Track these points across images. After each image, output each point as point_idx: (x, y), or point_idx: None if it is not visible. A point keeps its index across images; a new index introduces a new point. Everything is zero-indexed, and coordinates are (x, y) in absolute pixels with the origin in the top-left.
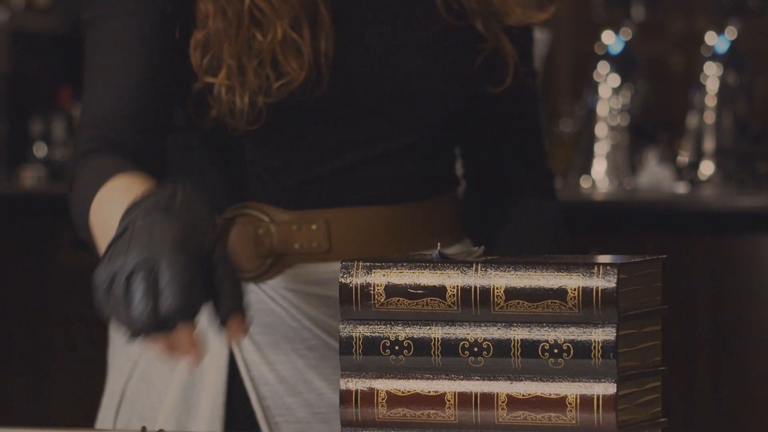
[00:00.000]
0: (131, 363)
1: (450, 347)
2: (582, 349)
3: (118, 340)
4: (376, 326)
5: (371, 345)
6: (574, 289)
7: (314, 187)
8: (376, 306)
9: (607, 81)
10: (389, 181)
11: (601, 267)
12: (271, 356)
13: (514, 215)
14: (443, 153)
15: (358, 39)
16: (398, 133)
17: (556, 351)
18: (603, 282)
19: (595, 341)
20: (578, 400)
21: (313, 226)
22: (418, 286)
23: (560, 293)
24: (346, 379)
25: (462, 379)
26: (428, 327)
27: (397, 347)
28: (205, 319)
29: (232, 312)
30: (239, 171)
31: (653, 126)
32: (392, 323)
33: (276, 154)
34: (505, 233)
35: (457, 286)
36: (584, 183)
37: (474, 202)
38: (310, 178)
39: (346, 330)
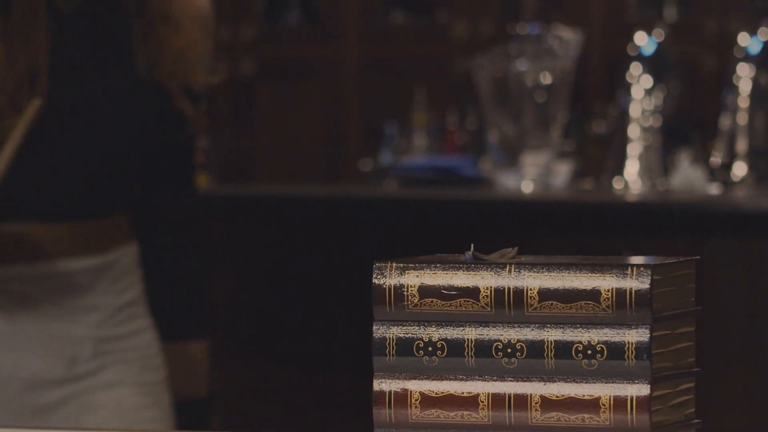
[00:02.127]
0: None
1: (483, 348)
2: (616, 350)
3: None
4: (410, 327)
5: (404, 346)
6: (608, 291)
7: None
8: (410, 307)
9: (640, 82)
10: (77, 205)
11: (634, 268)
12: None
13: (162, 266)
14: (128, 183)
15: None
16: (90, 169)
17: (589, 352)
18: (637, 283)
19: (628, 342)
20: (612, 402)
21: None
22: (451, 287)
23: (594, 294)
24: (380, 381)
25: (495, 380)
26: (461, 328)
27: (430, 348)
28: None
29: None
30: None
31: (686, 127)
32: (425, 324)
33: None
34: (156, 280)
35: (491, 287)
36: (617, 184)
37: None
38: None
39: (379, 331)
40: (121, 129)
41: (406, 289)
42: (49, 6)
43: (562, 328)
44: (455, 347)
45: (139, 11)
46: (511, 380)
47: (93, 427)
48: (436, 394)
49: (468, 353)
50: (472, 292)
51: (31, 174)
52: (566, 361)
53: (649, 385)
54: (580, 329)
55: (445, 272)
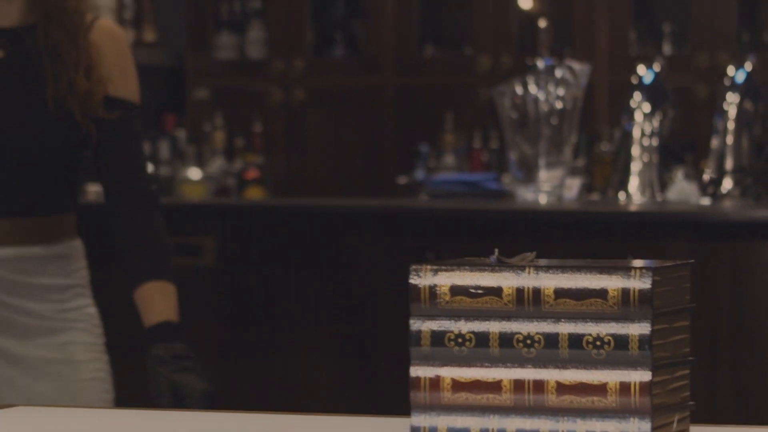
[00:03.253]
0: None
1: (506, 340)
2: (621, 341)
3: None
4: (442, 321)
5: (438, 338)
6: (615, 290)
7: None
8: (442, 304)
9: (641, 108)
10: (14, 204)
11: (637, 270)
12: None
13: (128, 227)
14: (55, 189)
15: None
16: (17, 174)
17: (598, 343)
18: (639, 283)
19: (632, 335)
20: (618, 386)
21: None
22: (478, 287)
23: (602, 293)
24: (416, 368)
25: (516, 368)
26: (487, 322)
27: (460, 340)
28: None
29: None
30: None
31: (681, 147)
32: (456, 319)
33: None
34: (125, 240)
35: (512, 287)
36: (621, 197)
37: (108, 215)
38: None
39: (415, 325)
40: (39, 151)
41: (438, 289)
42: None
43: (575, 322)
44: (481, 339)
45: (53, 59)
46: (530, 368)
47: (48, 376)
48: (465, 379)
49: (492, 344)
50: (496, 291)
51: None
52: (578, 351)
53: (650, 372)
54: (590, 323)
55: (472, 273)
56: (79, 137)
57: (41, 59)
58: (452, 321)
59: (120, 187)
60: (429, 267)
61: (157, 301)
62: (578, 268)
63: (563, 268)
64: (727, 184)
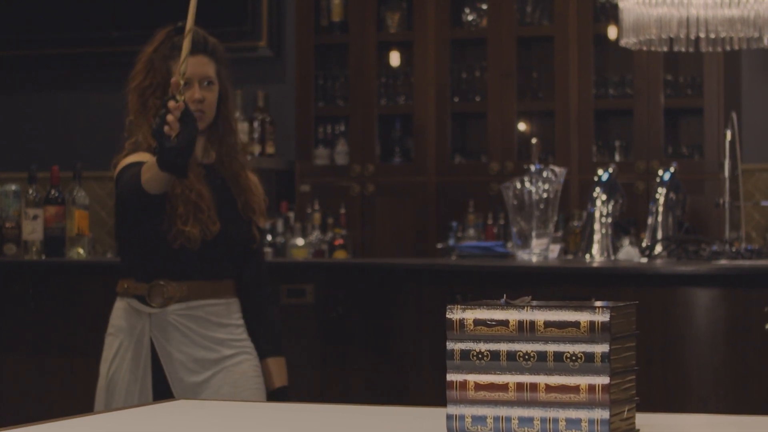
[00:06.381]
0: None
1: (511, 355)
2: (589, 356)
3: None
4: (468, 343)
5: (465, 354)
6: (585, 321)
7: (179, 271)
8: (468, 331)
9: (600, 197)
10: (206, 271)
11: (599, 308)
12: (172, 350)
13: (252, 311)
14: (228, 265)
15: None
16: (216, 256)
17: (573, 358)
18: (601, 317)
19: (597, 352)
20: (587, 387)
21: (175, 284)
22: (492, 320)
23: (576, 324)
24: (450, 374)
25: (518, 374)
26: (498, 343)
27: (480, 355)
28: None
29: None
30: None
31: (627, 224)
32: (477, 341)
33: (171, 260)
34: (251, 322)
35: (516, 320)
36: (587, 257)
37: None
38: (180, 268)
39: (450, 345)
40: (233, 240)
41: (466, 321)
42: (215, 185)
43: (557, 343)
44: (495, 355)
45: (234, 184)
46: (527, 374)
47: (231, 385)
48: (484, 383)
49: (502, 359)
50: (505, 323)
51: (196, 257)
52: (560, 363)
53: (608, 378)
54: (568, 344)
55: (488, 310)
56: (252, 235)
57: (230, 185)
58: (475, 343)
59: (252, 288)
60: (459, 306)
61: (275, 373)
62: (559, 307)
63: (549, 307)
64: (658, 248)
